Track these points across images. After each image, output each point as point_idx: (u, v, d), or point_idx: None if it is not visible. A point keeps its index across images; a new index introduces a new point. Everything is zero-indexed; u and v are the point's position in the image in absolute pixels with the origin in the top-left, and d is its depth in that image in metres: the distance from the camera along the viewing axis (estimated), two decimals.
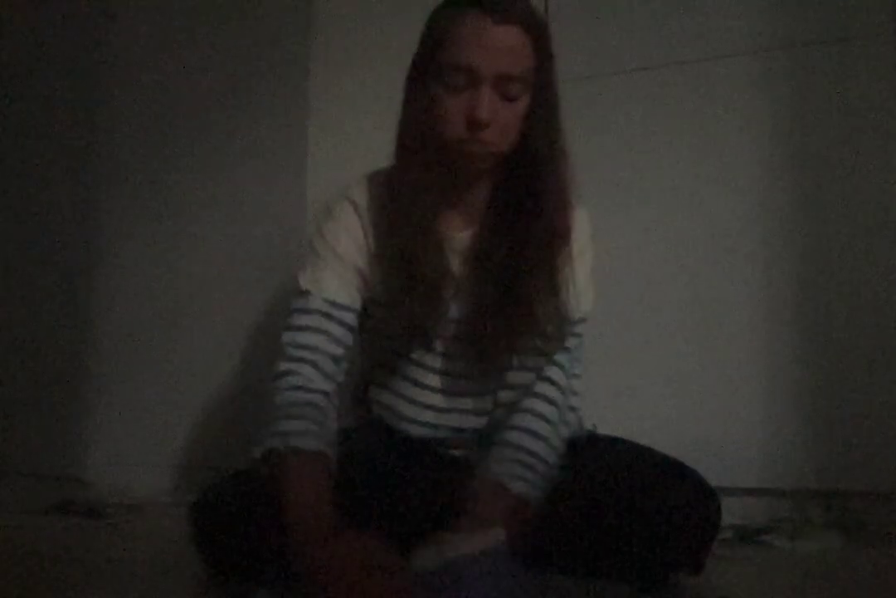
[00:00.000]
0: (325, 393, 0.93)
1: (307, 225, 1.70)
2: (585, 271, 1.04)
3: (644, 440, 1.04)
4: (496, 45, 0.89)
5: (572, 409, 1.03)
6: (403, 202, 0.97)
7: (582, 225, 1.04)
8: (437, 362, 1.03)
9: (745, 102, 1.54)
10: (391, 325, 0.99)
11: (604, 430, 1.14)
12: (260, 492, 0.90)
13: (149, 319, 1.87)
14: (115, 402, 1.87)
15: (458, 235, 1.02)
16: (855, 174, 1.46)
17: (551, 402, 0.97)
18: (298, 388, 0.92)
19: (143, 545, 1.19)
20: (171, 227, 1.88)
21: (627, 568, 0.90)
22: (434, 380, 1.04)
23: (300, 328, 0.96)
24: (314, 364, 0.94)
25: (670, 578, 0.91)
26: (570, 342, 1.01)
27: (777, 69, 1.53)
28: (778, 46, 1.53)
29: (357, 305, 1.00)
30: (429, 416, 1.04)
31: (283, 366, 0.94)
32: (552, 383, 0.99)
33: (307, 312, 0.97)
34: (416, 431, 1.04)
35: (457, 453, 1.06)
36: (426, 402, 1.04)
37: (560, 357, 0.99)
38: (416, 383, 1.04)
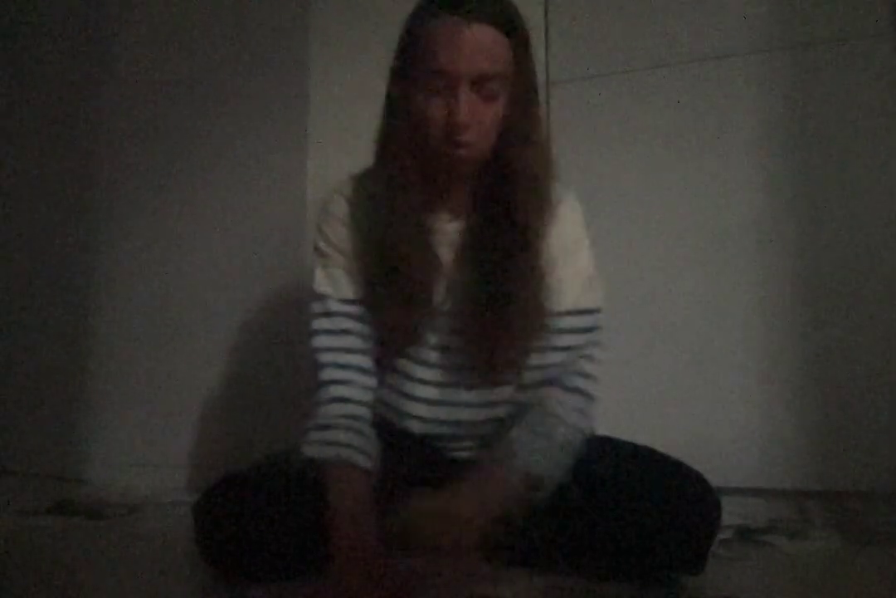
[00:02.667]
0: (367, 403, 0.97)
1: (307, 225, 1.70)
2: (583, 262, 1.03)
3: (644, 440, 1.04)
4: (470, 45, 0.88)
5: (589, 416, 1.01)
6: (389, 198, 0.97)
7: (571, 216, 1.04)
8: (431, 356, 1.04)
9: (746, 102, 1.55)
10: (382, 318, 0.99)
11: (604, 431, 1.14)
12: (261, 492, 0.91)
13: (149, 319, 1.87)
14: (115, 402, 1.87)
15: (447, 227, 1.02)
16: (855, 174, 1.46)
17: (562, 405, 0.97)
18: (345, 399, 0.95)
19: (143, 545, 1.19)
20: (171, 227, 1.88)
21: (627, 568, 0.90)
22: (428, 374, 1.04)
23: (328, 332, 0.99)
24: (354, 367, 0.98)
25: (670, 578, 0.91)
26: (594, 336, 1.01)
27: (777, 69, 1.53)
28: (778, 46, 1.54)
29: (367, 296, 1.01)
30: (424, 410, 1.04)
31: (326, 374, 0.97)
32: (570, 390, 0.99)
33: (328, 315, 1.00)
34: (413, 426, 1.04)
35: (462, 454, 1.06)
36: (421, 396, 1.04)
37: (579, 365, 1.00)
38: (411, 377, 1.04)
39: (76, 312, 1.96)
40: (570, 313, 0.99)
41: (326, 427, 0.92)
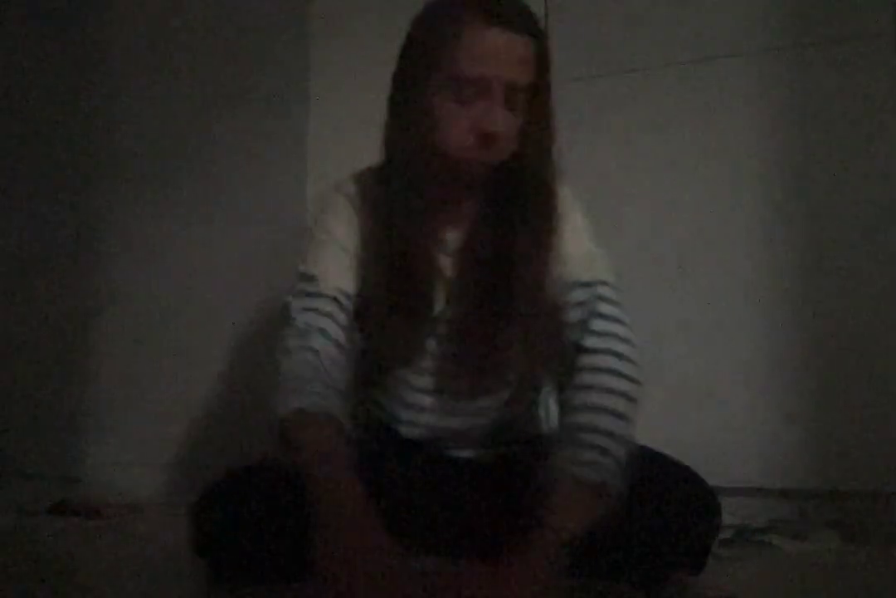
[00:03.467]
0: (334, 379, 0.92)
1: (307, 225, 1.70)
2: (582, 238, 1.01)
3: (644, 440, 1.04)
4: (512, 55, 0.88)
5: (624, 397, 0.90)
6: (393, 205, 0.96)
7: (567, 208, 1.02)
8: (430, 364, 1.03)
9: (746, 102, 1.54)
10: (380, 324, 0.98)
11: None
12: (260, 492, 0.91)
13: (148, 319, 1.87)
14: (114, 402, 1.87)
15: (450, 236, 1.01)
16: (856, 174, 1.46)
17: (610, 371, 0.90)
18: (308, 363, 0.91)
19: (143, 545, 1.19)
20: (171, 227, 1.88)
21: (628, 568, 0.90)
22: (427, 381, 1.03)
23: (311, 310, 0.94)
24: (322, 351, 0.92)
25: (671, 578, 0.91)
26: (603, 308, 0.95)
27: (777, 69, 1.53)
28: (778, 46, 1.53)
29: (355, 291, 0.99)
30: (424, 418, 1.03)
31: (292, 343, 0.92)
32: (605, 352, 0.91)
33: (317, 296, 0.96)
34: (411, 432, 1.04)
35: (462, 454, 1.06)
36: (420, 404, 1.03)
37: (590, 342, 0.93)
38: (409, 385, 1.03)
39: (76, 311, 1.96)
40: (576, 285, 0.96)
41: (293, 386, 0.87)
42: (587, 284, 0.97)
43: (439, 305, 0.99)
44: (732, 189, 1.54)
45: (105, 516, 1.42)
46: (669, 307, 1.54)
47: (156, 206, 1.90)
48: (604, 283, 0.97)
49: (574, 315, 0.95)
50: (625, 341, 0.93)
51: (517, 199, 0.96)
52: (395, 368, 1.02)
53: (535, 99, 0.94)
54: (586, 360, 0.92)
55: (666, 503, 0.87)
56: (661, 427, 1.46)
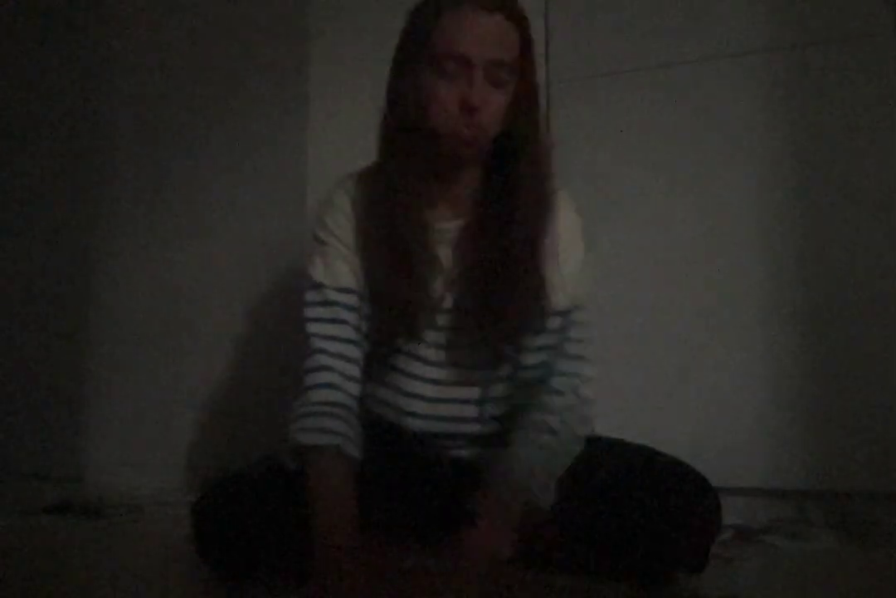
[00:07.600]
0: (353, 393, 0.98)
1: (307, 224, 1.70)
2: (575, 259, 1.04)
3: (644, 440, 1.04)
4: (487, 33, 0.93)
5: (584, 419, 1.00)
6: (391, 194, 0.99)
7: (569, 220, 1.05)
8: (430, 353, 1.04)
9: (746, 102, 1.54)
10: (381, 316, 1.00)
11: (604, 431, 1.14)
12: (260, 492, 0.91)
13: (149, 318, 1.87)
14: (115, 402, 1.87)
15: (447, 226, 1.03)
16: (855, 174, 1.46)
17: (553, 412, 0.97)
18: (332, 386, 0.95)
19: (143, 545, 1.19)
20: (171, 227, 1.88)
21: (628, 567, 0.90)
22: (426, 370, 1.04)
23: (321, 320, 0.99)
24: (344, 356, 0.98)
25: (671, 577, 0.91)
26: (573, 332, 1.01)
27: (777, 69, 1.53)
28: (778, 46, 1.54)
29: (363, 288, 1.02)
30: (420, 406, 1.04)
31: (315, 361, 0.97)
32: (558, 393, 0.99)
33: (324, 304, 1.00)
34: (412, 423, 1.04)
35: (461, 453, 1.06)
36: (418, 392, 1.04)
37: (563, 366, 1.00)
38: (408, 374, 1.04)
39: (76, 312, 1.96)
40: (554, 314, 1.00)
41: (315, 414, 0.93)
42: (564, 313, 1.01)
43: (438, 294, 1.01)
44: (732, 189, 1.54)
45: (105, 516, 1.42)
46: (670, 308, 1.54)
47: (156, 206, 1.91)
48: (579, 308, 1.02)
49: (547, 340, 1.00)
50: (588, 362, 1.02)
51: (511, 182, 0.99)
52: (396, 357, 1.04)
53: (520, 81, 0.97)
54: (543, 398, 0.99)
55: (666, 503, 0.87)
56: (662, 427, 1.46)
